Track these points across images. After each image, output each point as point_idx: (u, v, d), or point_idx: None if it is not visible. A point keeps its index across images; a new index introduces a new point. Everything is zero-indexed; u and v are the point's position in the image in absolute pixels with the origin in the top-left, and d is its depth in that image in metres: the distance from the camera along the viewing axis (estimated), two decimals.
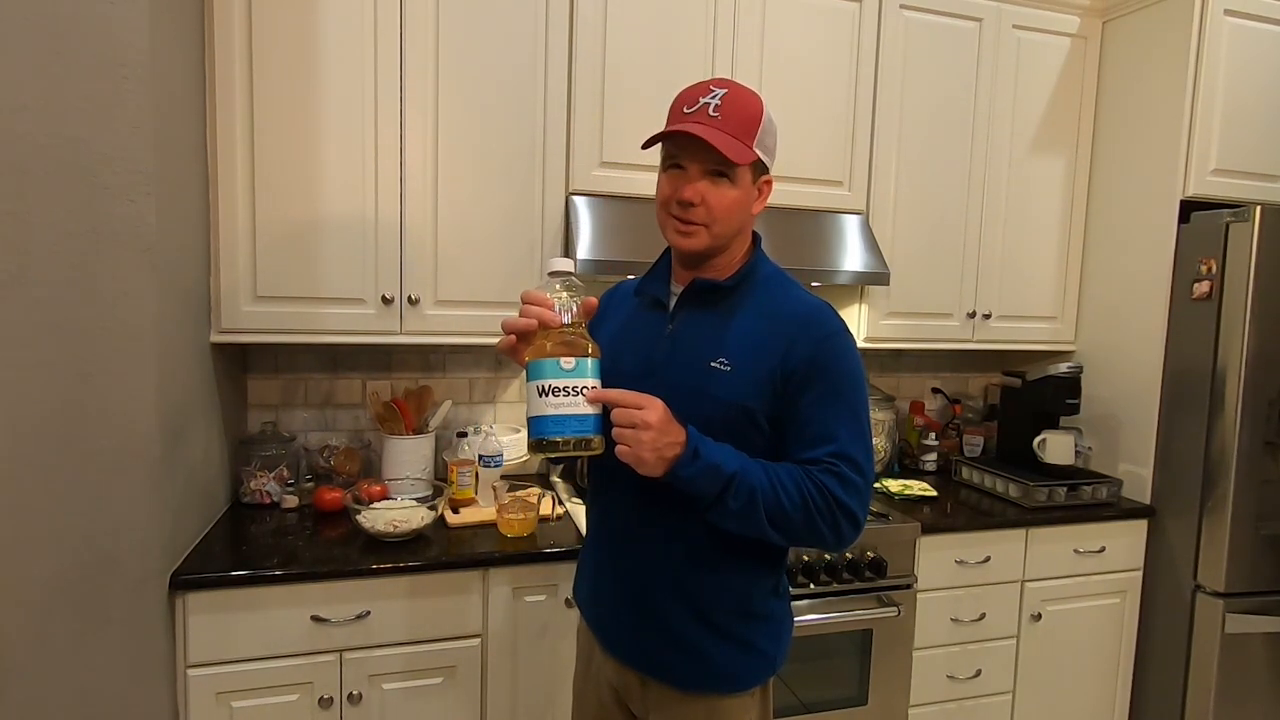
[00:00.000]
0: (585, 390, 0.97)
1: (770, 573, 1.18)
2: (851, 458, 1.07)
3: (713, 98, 1.08)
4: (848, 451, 1.06)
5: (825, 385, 1.08)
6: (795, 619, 1.81)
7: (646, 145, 1.12)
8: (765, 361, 1.09)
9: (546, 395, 0.97)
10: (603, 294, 1.27)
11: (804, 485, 1.04)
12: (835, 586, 1.90)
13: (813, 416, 1.08)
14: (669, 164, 1.12)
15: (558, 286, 1.03)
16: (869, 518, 1.99)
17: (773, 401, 1.08)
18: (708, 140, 1.04)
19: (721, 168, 1.07)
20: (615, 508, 1.19)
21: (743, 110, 1.08)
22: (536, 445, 0.99)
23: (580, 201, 1.94)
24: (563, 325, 1.00)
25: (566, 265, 1.06)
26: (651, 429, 0.98)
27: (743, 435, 1.08)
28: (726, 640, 1.13)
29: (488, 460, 1.95)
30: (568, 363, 0.97)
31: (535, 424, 0.99)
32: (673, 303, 1.19)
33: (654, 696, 1.18)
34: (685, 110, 1.09)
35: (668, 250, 1.22)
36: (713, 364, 1.10)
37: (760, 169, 1.12)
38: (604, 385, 1.02)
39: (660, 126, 1.12)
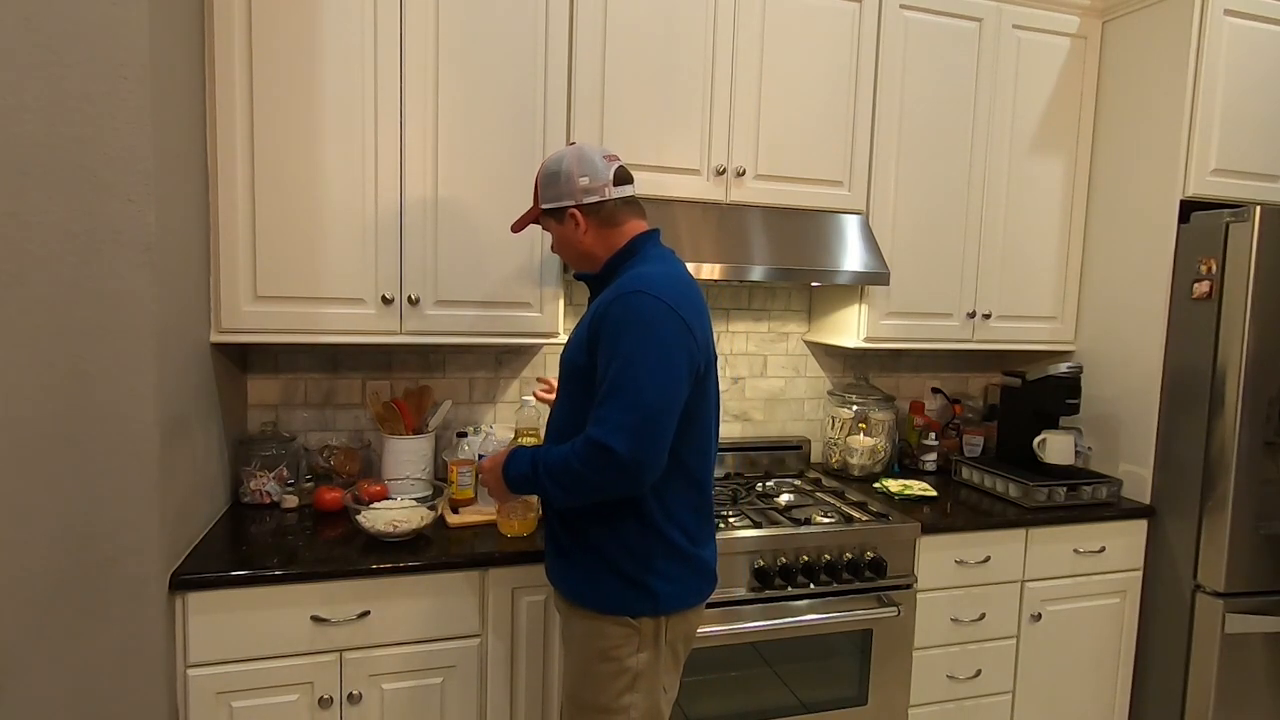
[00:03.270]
0: None
1: (625, 507, 1.34)
2: (605, 401, 1.25)
3: None
4: (604, 398, 1.26)
5: (604, 339, 1.28)
6: (795, 619, 1.83)
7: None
8: (585, 325, 1.36)
9: None
10: None
11: (570, 446, 1.28)
12: (835, 586, 1.90)
13: (600, 369, 1.29)
14: None
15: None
16: (868, 517, 2.00)
17: (589, 356, 1.32)
18: (512, 227, 1.56)
19: (544, 227, 1.50)
20: None
21: (536, 179, 1.47)
22: None
23: None
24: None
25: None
26: (484, 471, 1.47)
27: (574, 385, 1.37)
28: (598, 560, 1.36)
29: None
30: None
31: None
32: None
33: (560, 607, 1.47)
34: None
35: None
36: (571, 336, 1.42)
37: (558, 212, 1.44)
38: None
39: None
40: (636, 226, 1.45)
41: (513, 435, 2.07)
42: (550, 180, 1.44)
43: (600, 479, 1.25)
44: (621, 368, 1.24)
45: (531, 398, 1.92)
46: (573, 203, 1.42)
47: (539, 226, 1.91)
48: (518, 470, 1.37)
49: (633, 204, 1.46)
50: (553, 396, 1.83)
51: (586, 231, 1.42)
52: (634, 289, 1.29)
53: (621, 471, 1.23)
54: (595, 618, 1.36)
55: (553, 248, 1.53)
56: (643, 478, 1.25)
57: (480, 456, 1.97)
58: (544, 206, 1.46)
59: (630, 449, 1.21)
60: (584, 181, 1.41)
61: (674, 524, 1.36)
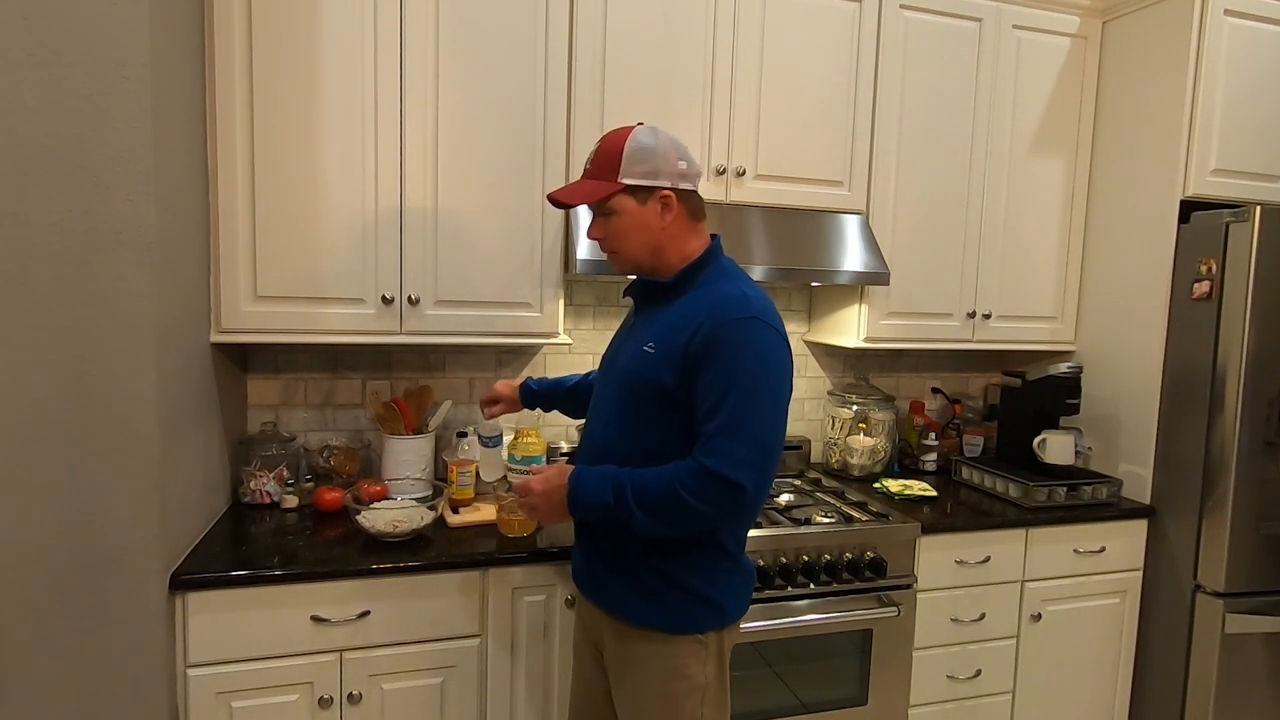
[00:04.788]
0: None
1: (707, 531, 1.28)
2: (724, 432, 1.18)
3: (592, 152, 1.32)
4: (724, 429, 1.18)
5: (719, 366, 1.20)
6: (795, 619, 1.83)
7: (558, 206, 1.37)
8: (677, 341, 1.24)
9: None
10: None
11: (673, 475, 1.19)
12: (835, 586, 1.90)
13: (706, 394, 1.20)
14: None
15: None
16: (868, 517, 2.00)
17: (680, 376, 1.23)
18: (560, 200, 1.32)
19: (603, 208, 1.31)
20: None
21: (606, 152, 1.30)
22: None
23: None
24: None
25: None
26: (531, 494, 1.29)
27: (648, 402, 1.27)
28: (666, 581, 1.29)
29: (488, 440, 1.95)
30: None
31: None
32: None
33: (612, 632, 1.36)
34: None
35: None
36: (645, 348, 1.29)
37: (644, 190, 1.29)
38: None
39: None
40: (705, 230, 1.37)
41: (513, 435, 2.08)
42: (643, 154, 1.27)
43: (716, 512, 1.19)
44: (742, 400, 1.17)
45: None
46: (668, 184, 1.29)
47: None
48: (594, 498, 1.24)
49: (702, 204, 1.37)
50: (498, 409, 1.75)
51: (674, 221, 1.30)
52: (747, 315, 1.21)
53: (742, 507, 1.19)
54: (664, 639, 1.30)
55: (595, 235, 1.33)
56: (756, 512, 1.22)
57: (481, 437, 1.95)
58: (629, 181, 1.28)
59: (756, 485, 1.18)
60: (682, 165, 1.29)
61: (731, 536, 1.33)
